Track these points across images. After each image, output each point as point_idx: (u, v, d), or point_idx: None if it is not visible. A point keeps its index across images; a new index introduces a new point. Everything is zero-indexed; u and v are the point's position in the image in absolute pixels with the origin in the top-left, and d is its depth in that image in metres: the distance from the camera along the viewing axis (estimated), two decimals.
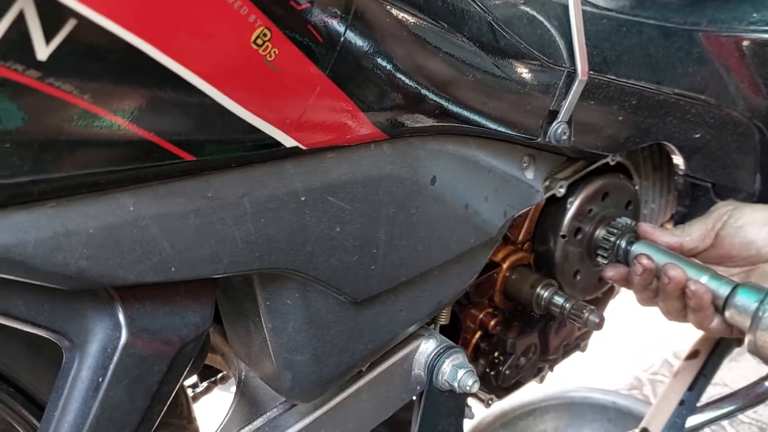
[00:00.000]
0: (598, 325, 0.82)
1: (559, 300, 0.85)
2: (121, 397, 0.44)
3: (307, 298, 0.55)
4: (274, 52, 0.40)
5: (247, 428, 0.63)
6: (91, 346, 0.44)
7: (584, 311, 0.82)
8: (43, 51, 0.33)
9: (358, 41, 0.47)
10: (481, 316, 0.90)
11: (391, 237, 0.57)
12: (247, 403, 0.68)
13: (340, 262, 0.54)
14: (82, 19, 0.33)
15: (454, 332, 0.91)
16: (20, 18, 0.32)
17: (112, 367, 0.43)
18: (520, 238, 0.89)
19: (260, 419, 0.64)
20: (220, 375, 0.90)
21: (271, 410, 0.65)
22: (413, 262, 0.61)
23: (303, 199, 0.50)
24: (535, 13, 0.71)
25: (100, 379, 0.43)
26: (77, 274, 0.40)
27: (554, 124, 0.73)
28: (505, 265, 0.89)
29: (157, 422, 0.47)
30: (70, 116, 0.36)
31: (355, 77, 0.49)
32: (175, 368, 0.47)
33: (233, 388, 0.71)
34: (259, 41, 0.38)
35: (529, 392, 1.28)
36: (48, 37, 0.32)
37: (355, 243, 0.55)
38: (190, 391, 0.89)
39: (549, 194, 0.83)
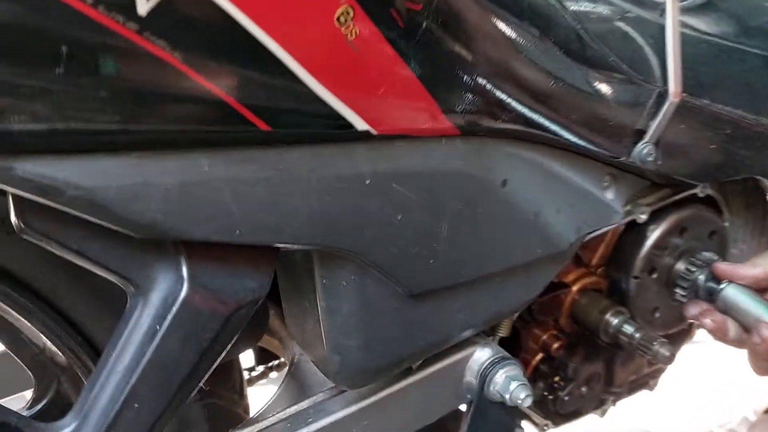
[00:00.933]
0: (668, 360, 0.79)
1: (629, 329, 0.82)
2: (173, 347, 0.46)
3: (363, 283, 0.55)
4: (356, 31, 0.41)
5: (292, 408, 0.64)
6: (154, 295, 0.46)
7: (654, 343, 0.79)
8: (143, 6, 0.36)
9: (440, 33, 0.48)
10: (544, 336, 0.88)
11: (454, 233, 0.58)
12: (296, 386, 0.69)
13: (398, 251, 0.55)
14: None
15: (514, 349, 0.90)
16: None
17: (170, 317, 0.46)
18: (594, 261, 0.87)
19: (306, 402, 0.65)
20: (276, 362, 0.92)
21: (317, 394, 0.66)
22: (474, 262, 0.61)
23: (368, 182, 0.51)
24: (629, 29, 0.70)
25: (158, 327, 0.46)
26: (150, 224, 0.42)
27: (640, 144, 0.71)
28: (575, 287, 0.86)
29: (204, 381, 0.49)
30: (159, 72, 0.38)
31: (433, 69, 0.50)
32: (228, 329, 0.48)
33: None
34: (342, 19, 0.40)
35: (588, 425, 1.23)
36: None
37: (415, 234, 0.55)
38: (246, 374, 0.91)
39: (629, 219, 0.81)
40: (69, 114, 0.36)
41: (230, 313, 0.48)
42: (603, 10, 0.72)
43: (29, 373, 0.66)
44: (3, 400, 0.89)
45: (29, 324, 0.60)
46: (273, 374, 0.94)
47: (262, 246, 0.49)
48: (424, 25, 0.46)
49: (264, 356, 0.93)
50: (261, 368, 0.92)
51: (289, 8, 0.39)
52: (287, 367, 0.71)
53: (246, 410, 0.75)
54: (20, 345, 0.63)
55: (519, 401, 0.68)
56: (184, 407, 0.49)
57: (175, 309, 0.46)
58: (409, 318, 0.60)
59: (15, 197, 0.41)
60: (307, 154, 0.47)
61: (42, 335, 0.61)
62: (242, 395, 0.75)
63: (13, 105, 0.34)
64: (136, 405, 0.45)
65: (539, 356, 0.89)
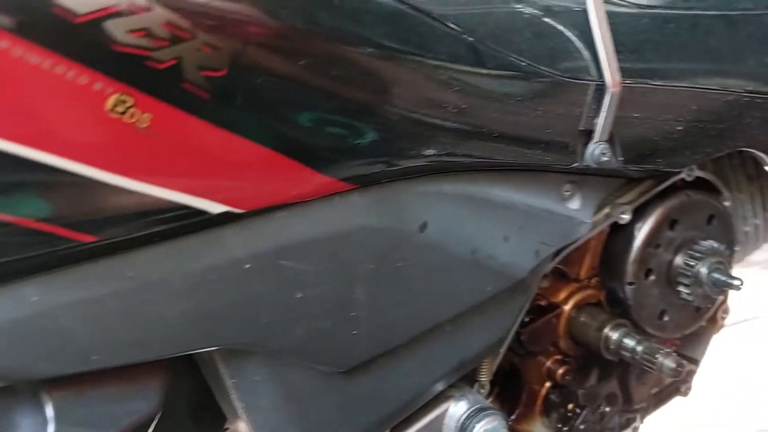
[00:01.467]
0: (675, 372, 0.70)
1: (629, 343, 0.74)
2: None
3: (278, 373, 0.50)
4: (148, 117, 0.36)
5: None
6: None
7: (657, 356, 0.71)
8: None
9: (273, 88, 0.42)
10: (548, 364, 0.80)
11: (374, 296, 0.51)
12: None
13: (309, 331, 0.49)
14: None
15: (519, 383, 0.82)
16: None
17: None
18: (583, 274, 0.79)
19: None
20: None
21: None
22: (410, 320, 0.54)
23: (248, 267, 0.45)
24: (549, 23, 0.63)
25: None
26: None
27: (591, 144, 0.63)
28: (567, 306, 0.78)
29: None
30: None
31: (279, 128, 0.44)
32: None
33: None
34: (120, 108, 0.35)
35: None
36: None
37: (324, 308, 0.49)
38: None
39: (609, 222, 0.73)
40: None
41: None
42: (526, 10, 0.65)
43: None
44: None
45: None
46: None
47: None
48: (242, 86, 0.40)
49: None
50: None
51: (51, 120, 0.34)
52: None
53: None
54: None
55: None
56: None
57: None
58: (349, 397, 0.54)
59: None
60: (160, 253, 0.42)
61: None
62: None
63: None
64: None
65: (547, 385, 0.81)
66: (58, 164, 0.35)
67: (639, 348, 0.72)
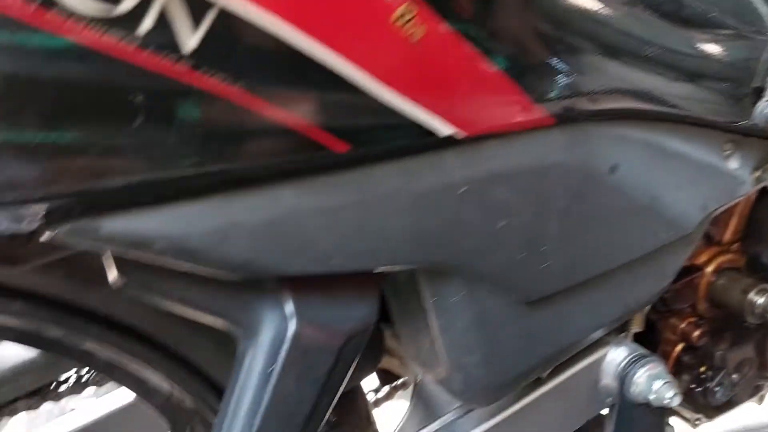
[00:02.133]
0: None
1: None
2: (290, 387, 0.45)
3: (475, 296, 0.52)
4: (421, 30, 0.39)
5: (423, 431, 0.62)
6: (262, 336, 0.45)
7: None
8: (191, 40, 0.34)
9: (517, 17, 0.45)
10: (682, 325, 0.81)
11: (564, 232, 0.53)
12: (423, 407, 0.67)
13: (505, 259, 0.51)
14: (225, 8, 0.34)
15: (651, 343, 0.83)
16: (165, 9, 0.33)
17: (281, 357, 0.45)
18: (727, 238, 0.79)
19: (436, 423, 0.62)
20: (401, 380, 0.90)
21: (446, 414, 0.63)
22: (591, 260, 0.56)
23: (462, 191, 0.48)
24: None
25: (270, 369, 0.45)
26: (243, 265, 0.41)
27: (761, 103, 0.64)
28: (709, 269, 0.79)
29: (327, 416, 0.48)
30: (224, 107, 0.37)
31: (517, 57, 0.46)
32: (342, 361, 0.47)
33: None
34: (403, 19, 0.38)
35: (746, 414, 1.12)
36: (194, 26, 0.34)
37: (521, 238, 0.51)
38: (372, 395, 0.90)
39: (760, 186, 0.73)
40: (146, 166, 0.36)
41: (342, 344, 0.47)
42: None
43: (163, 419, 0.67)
44: None
45: (155, 373, 0.61)
46: (398, 394, 0.92)
47: (364, 272, 0.48)
48: (496, 11, 0.43)
49: (386, 377, 0.91)
50: (386, 389, 0.90)
51: (342, 17, 0.37)
52: (412, 388, 0.69)
53: None
54: (149, 393, 0.65)
55: (666, 401, 0.62)
56: None
57: (285, 348, 0.45)
58: (529, 327, 0.56)
59: (111, 255, 0.41)
60: (392, 170, 0.45)
61: (168, 383, 0.62)
62: (369, 420, 0.74)
63: (90, 164, 0.35)
64: None
65: (680, 347, 0.82)
66: (339, 67, 0.38)
67: None
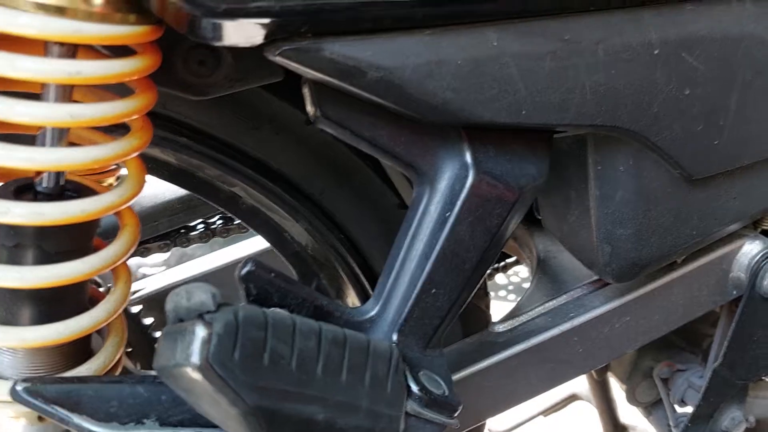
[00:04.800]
0: None
1: None
2: (464, 233, 0.46)
3: (640, 167, 0.52)
4: None
5: (551, 303, 0.63)
6: (440, 183, 0.46)
7: None
8: None
9: None
10: None
11: (743, 107, 0.51)
12: (549, 281, 0.67)
13: (683, 131, 0.50)
14: None
15: None
16: None
17: (459, 203, 0.45)
18: None
19: (564, 296, 0.63)
20: (511, 260, 0.92)
21: (575, 289, 0.64)
22: (760, 144, 0.55)
23: (656, 52, 0.46)
24: None
25: (447, 214, 0.45)
26: (442, 105, 0.41)
27: None
28: None
29: (491, 265, 0.49)
30: None
31: None
32: (513, 215, 0.47)
33: None
34: None
35: None
36: None
37: (702, 110, 0.50)
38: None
39: None
40: None
41: (515, 199, 0.47)
42: None
43: (291, 269, 0.70)
44: None
45: (295, 222, 0.63)
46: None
47: (538, 131, 0.47)
48: None
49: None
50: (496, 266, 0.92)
51: None
52: (534, 267, 0.70)
53: (487, 306, 0.75)
54: (284, 242, 0.67)
55: None
56: None
57: (463, 196, 0.45)
58: (685, 206, 0.55)
59: (313, 86, 0.41)
60: (593, 22, 0.44)
61: (306, 233, 0.64)
62: (486, 292, 0.75)
63: None
64: (433, 290, 0.46)
65: None
66: None
67: None
